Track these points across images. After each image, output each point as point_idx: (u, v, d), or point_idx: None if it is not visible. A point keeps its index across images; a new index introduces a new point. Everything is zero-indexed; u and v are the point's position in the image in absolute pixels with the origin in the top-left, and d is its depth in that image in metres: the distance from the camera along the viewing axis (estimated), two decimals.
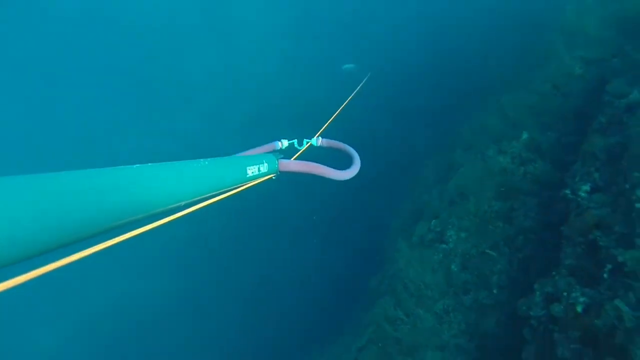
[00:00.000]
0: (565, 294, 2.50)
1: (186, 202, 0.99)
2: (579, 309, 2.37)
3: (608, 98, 3.17)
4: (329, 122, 2.66)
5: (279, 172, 1.64)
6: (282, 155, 1.69)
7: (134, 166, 0.87)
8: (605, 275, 2.36)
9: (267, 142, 2.09)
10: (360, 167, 1.94)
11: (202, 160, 1.14)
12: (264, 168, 1.48)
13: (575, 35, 4.20)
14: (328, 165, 1.76)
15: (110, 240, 0.68)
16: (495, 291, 3.71)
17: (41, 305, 9.39)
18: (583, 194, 2.92)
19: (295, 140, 2.18)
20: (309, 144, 2.17)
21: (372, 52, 9.22)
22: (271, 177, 1.58)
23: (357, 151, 2.04)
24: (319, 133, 2.32)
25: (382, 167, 6.67)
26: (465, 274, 3.97)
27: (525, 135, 4.02)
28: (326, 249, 7.31)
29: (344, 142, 2.20)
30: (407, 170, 6.08)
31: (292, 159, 1.81)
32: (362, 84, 5.11)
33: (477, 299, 3.74)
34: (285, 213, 8.15)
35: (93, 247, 0.62)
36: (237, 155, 1.84)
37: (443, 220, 4.49)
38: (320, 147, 2.25)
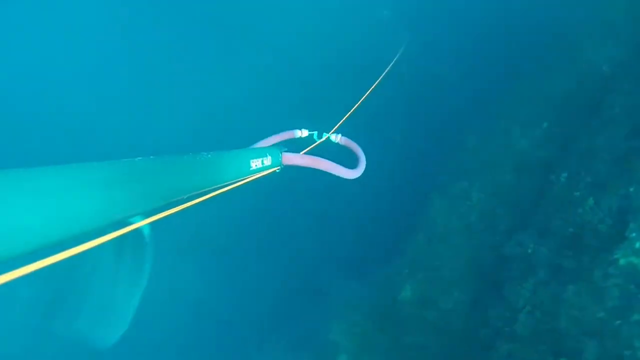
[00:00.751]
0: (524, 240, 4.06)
1: (188, 195, 1.00)
2: (529, 251, 3.95)
3: (604, 106, 4.19)
4: (352, 110, 2.62)
5: (283, 165, 1.67)
6: (286, 149, 1.73)
7: (136, 159, 0.86)
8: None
9: (286, 129, 2.11)
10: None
11: (205, 153, 1.15)
12: (267, 161, 1.51)
13: (607, 32, 4.84)
14: (333, 161, 1.79)
15: (95, 240, 0.67)
16: (499, 234, 5.26)
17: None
18: (562, 180, 4.22)
19: (316, 132, 2.19)
20: (325, 137, 2.18)
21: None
22: (275, 171, 1.62)
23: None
24: (340, 122, 2.35)
25: (426, 136, 7.79)
26: (479, 223, 5.53)
27: (545, 125, 5.10)
28: (380, 200, 9.00)
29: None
30: (448, 141, 7.22)
31: (301, 152, 1.84)
32: (396, 57, 4.85)
33: (485, 238, 5.35)
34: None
35: (78, 247, 0.64)
36: (251, 147, 1.91)
37: (470, 183, 5.93)
38: (326, 142, 2.21)
